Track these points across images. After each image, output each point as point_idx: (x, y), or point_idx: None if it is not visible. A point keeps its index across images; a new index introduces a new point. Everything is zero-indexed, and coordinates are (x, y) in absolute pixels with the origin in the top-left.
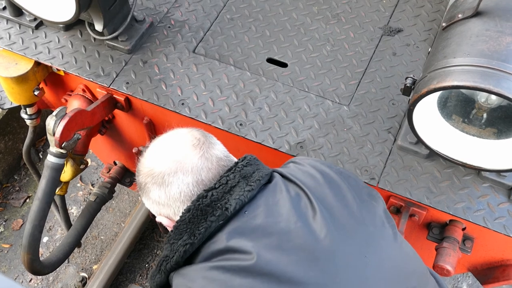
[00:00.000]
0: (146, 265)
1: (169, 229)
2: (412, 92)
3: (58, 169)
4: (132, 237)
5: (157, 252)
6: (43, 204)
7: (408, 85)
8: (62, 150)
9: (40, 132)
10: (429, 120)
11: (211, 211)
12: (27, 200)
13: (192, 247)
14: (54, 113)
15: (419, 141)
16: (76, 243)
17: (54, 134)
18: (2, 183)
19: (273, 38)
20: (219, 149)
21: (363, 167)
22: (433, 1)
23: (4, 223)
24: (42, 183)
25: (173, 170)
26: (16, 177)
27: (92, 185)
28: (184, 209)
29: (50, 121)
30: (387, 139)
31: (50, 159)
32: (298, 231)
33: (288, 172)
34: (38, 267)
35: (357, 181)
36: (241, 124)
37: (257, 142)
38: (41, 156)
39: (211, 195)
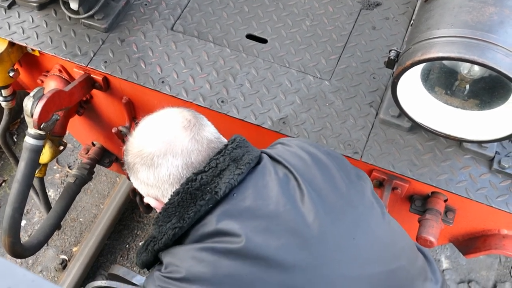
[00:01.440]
0: (127, 245)
1: (157, 210)
2: (396, 65)
3: (37, 150)
4: (112, 218)
5: (137, 233)
6: (23, 187)
7: (391, 57)
8: (40, 132)
9: (14, 114)
10: (413, 93)
11: (201, 195)
12: (3, 184)
13: (181, 230)
14: (31, 94)
15: (403, 113)
16: (56, 225)
17: (32, 116)
18: None
19: (251, 14)
20: (209, 131)
21: (346, 141)
22: None
23: None
24: (21, 165)
25: (163, 152)
26: None
27: (69, 167)
28: (173, 192)
29: (27, 102)
30: (369, 113)
31: (29, 140)
32: (287, 214)
33: (276, 154)
34: (19, 250)
35: (344, 162)
36: (222, 101)
37: (239, 119)
38: (15, 140)
39: (201, 179)
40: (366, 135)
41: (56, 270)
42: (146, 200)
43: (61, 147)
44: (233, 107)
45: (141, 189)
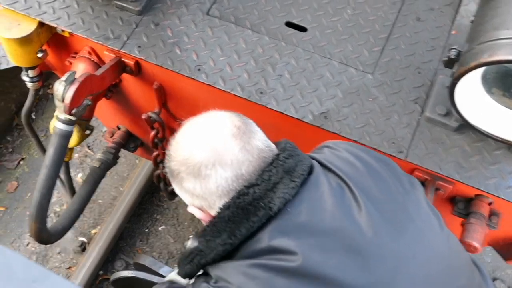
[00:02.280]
0: (146, 230)
1: (203, 221)
2: (457, 65)
3: (67, 136)
4: (132, 202)
5: (157, 217)
6: (52, 172)
7: (452, 57)
8: (71, 117)
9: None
10: (469, 93)
11: (254, 210)
12: (21, 162)
13: (232, 246)
14: (63, 78)
15: (460, 116)
16: (81, 210)
17: (63, 100)
18: None
19: (291, 0)
20: (260, 139)
21: (390, 139)
22: None
23: None
24: (50, 151)
25: (211, 162)
26: (8, 138)
27: (88, 147)
28: (223, 206)
29: (59, 87)
30: (414, 110)
31: (59, 126)
32: (344, 230)
33: (325, 160)
34: (45, 236)
35: (396, 168)
36: (261, 92)
37: (278, 112)
38: (33, 117)
39: (253, 193)
40: (411, 133)
41: (74, 252)
42: (190, 210)
43: (88, 131)
44: (272, 99)
45: (184, 198)
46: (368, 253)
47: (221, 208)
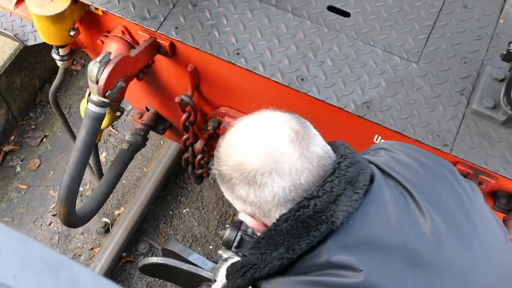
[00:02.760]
0: (170, 212)
1: (256, 230)
2: None
3: (99, 118)
4: (157, 183)
5: (181, 199)
6: (83, 155)
7: None
8: (104, 99)
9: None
10: None
11: (315, 224)
12: (44, 140)
13: (289, 261)
14: (98, 59)
15: (510, 105)
16: (109, 193)
17: (97, 82)
18: (17, 120)
19: None
20: (319, 144)
21: (435, 131)
22: None
23: (20, 162)
24: (82, 133)
25: (268, 170)
26: (31, 115)
27: (112, 126)
28: (281, 218)
29: (93, 67)
30: (460, 101)
31: (91, 108)
32: (410, 245)
33: (384, 164)
34: (74, 220)
35: (456, 173)
36: (302, 79)
37: (320, 100)
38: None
39: (314, 205)
40: (456, 126)
41: (98, 233)
42: (241, 217)
43: (118, 113)
44: (313, 86)
45: (235, 204)
46: (436, 272)
47: (278, 220)
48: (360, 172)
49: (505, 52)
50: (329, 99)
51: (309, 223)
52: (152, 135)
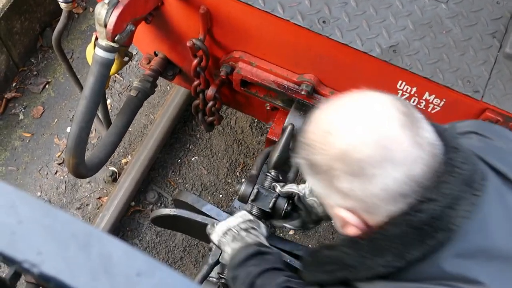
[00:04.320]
0: (179, 160)
1: (353, 229)
2: None
3: (108, 64)
4: (165, 131)
5: (190, 147)
6: (91, 104)
7: None
8: (113, 44)
9: (57, 11)
10: None
11: (430, 231)
12: (47, 86)
13: (396, 269)
14: (105, 1)
15: None
16: (118, 142)
17: (105, 26)
18: (18, 66)
19: None
20: (427, 128)
21: (465, 77)
22: None
23: (23, 110)
24: (90, 80)
25: (378, 159)
26: (33, 60)
27: (117, 73)
28: (389, 222)
29: (101, 10)
30: (492, 45)
31: (100, 53)
32: None
33: (484, 153)
34: (83, 171)
35: None
36: (324, 22)
37: (343, 44)
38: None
39: (432, 210)
40: (488, 71)
41: (105, 182)
42: (336, 211)
43: (126, 58)
44: (336, 29)
45: (331, 198)
46: None
47: (386, 224)
48: (474, 170)
49: None
50: (352, 42)
51: (425, 231)
52: (158, 81)
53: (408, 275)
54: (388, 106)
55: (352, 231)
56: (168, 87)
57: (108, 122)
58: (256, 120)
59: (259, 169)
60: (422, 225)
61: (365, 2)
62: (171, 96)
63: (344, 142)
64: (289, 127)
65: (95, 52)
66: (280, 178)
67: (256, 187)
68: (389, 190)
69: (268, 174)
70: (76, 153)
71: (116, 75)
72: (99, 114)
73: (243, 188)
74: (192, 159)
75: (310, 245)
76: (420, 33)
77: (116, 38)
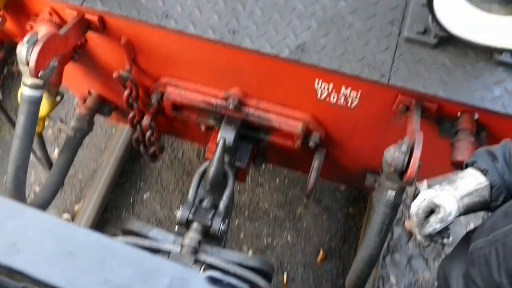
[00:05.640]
0: (131, 199)
1: None
2: None
3: (37, 102)
4: (113, 172)
5: (140, 185)
6: (25, 143)
7: None
8: (38, 81)
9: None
10: (448, 4)
11: None
12: None
13: None
14: (25, 40)
15: (436, 22)
16: (61, 182)
17: (28, 63)
18: None
19: None
20: None
21: (371, 64)
22: None
23: None
24: (21, 120)
25: None
26: None
27: (61, 121)
28: None
29: (21, 49)
30: (392, 32)
31: (26, 92)
32: None
33: None
34: None
35: None
36: (234, 32)
37: (253, 50)
38: (0, 97)
39: None
40: (391, 56)
41: None
42: None
43: (58, 98)
44: (246, 37)
45: None
46: None
47: None
48: None
49: None
50: (262, 47)
51: None
52: (103, 125)
53: None
54: None
55: None
56: (113, 130)
57: (50, 166)
58: (203, 150)
59: (196, 189)
60: None
61: (270, 9)
62: (115, 137)
63: None
64: (221, 141)
65: (22, 92)
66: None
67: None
68: None
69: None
70: (17, 193)
71: (61, 124)
72: (41, 158)
73: (179, 214)
74: (144, 196)
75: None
76: (324, 30)
77: (39, 75)
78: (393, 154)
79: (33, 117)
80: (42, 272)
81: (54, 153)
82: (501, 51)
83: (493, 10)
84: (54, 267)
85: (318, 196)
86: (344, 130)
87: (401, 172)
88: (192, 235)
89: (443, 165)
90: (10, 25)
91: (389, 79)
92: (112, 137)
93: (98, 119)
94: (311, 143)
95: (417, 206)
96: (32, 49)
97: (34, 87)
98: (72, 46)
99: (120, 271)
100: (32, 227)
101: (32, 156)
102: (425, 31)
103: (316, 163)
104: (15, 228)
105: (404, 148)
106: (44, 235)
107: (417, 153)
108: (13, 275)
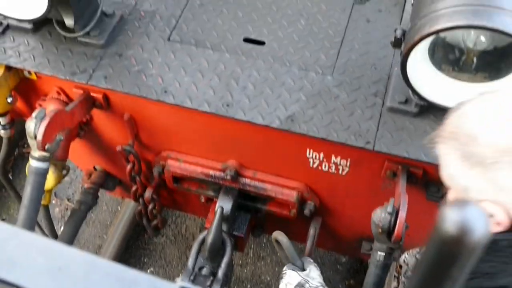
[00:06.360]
0: None
1: (494, 227)
2: (403, 43)
3: (43, 174)
4: (117, 248)
5: (144, 260)
6: (31, 212)
7: (398, 36)
8: (45, 153)
9: (13, 145)
10: (421, 71)
11: None
12: None
13: None
14: (33, 115)
15: (413, 92)
16: None
17: (35, 137)
18: None
19: (246, 18)
20: None
21: (356, 132)
22: None
23: None
24: (28, 190)
25: None
26: None
27: (68, 200)
28: None
29: (30, 124)
30: (375, 102)
31: (34, 164)
32: None
33: None
34: None
35: None
36: (228, 105)
37: (246, 121)
38: (10, 177)
39: None
40: (375, 124)
41: None
42: (488, 207)
43: (64, 172)
44: (239, 110)
45: (481, 188)
46: None
47: None
48: None
49: (393, 40)
50: (254, 118)
51: None
52: (108, 202)
53: None
54: None
55: (493, 229)
56: (118, 207)
57: (55, 237)
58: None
59: (195, 257)
60: None
61: (261, 84)
62: (120, 214)
63: (507, 133)
64: (219, 210)
65: (30, 164)
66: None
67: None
68: None
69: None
70: None
71: (67, 202)
72: (45, 230)
73: (179, 280)
74: (148, 271)
75: None
76: (312, 102)
77: (46, 147)
78: (380, 215)
79: (39, 187)
80: (35, 285)
81: (60, 231)
82: None
83: (463, 78)
84: (46, 281)
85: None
86: (337, 197)
87: (389, 233)
88: None
89: None
90: (20, 104)
91: (374, 146)
92: (117, 214)
93: (104, 196)
94: (307, 211)
95: None
96: (40, 123)
97: (41, 159)
98: (78, 121)
99: (102, 282)
100: (26, 246)
101: (37, 229)
102: (407, 101)
103: (311, 231)
104: (11, 247)
105: (389, 209)
106: (36, 253)
107: (402, 214)
108: None
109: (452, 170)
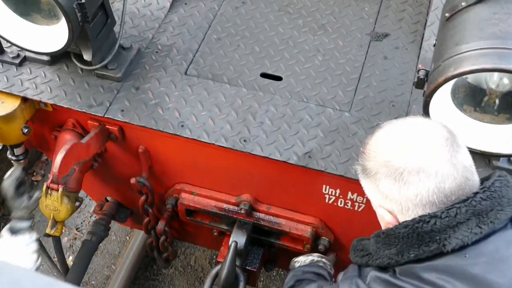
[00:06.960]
0: None
1: (385, 224)
2: (426, 84)
3: None
4: (126, 279)
5: None
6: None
7: (421, 77)
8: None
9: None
10: (443, 112)
11: (428, 240)
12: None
13: (396, 263)
14: (8, 173)
15: None
16: (78, 286)
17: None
18: None
19: (263, 53)
20: (466, 155)
21: None
22: (413, 5)
23: None
24: None
25: (415, 169)
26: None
27: (77, 229)
28: (401, 224)
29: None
30: None
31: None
32: None
33: None
34: None
35: None
36: (245, 140)
37: (264, 157)
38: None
39: (433, 224)
40: None
41: None
42: (377, 210)
43: (77, 203)
44: (256, 145)
45: (374, 198)
46: None
47: (398, 226)
48: (495, 208)
49: (416, 80)
50: (272, 154)
51: (423, 238)
52: (117, 232)
53: (405, 271)
54: (433, 128)
55: (387, 226)
56: (127, 237)
57: (66, 269)
58: (215, 257)
59: None
60: (423, 233)
61: (279, 120)
62: (129, 244)
63: (389, 151)
64: (233, 244)
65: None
66: None
67: None
68: (421, 196)
69: None
70: None
71: (76, 232)
72: (56, 261)
73: None
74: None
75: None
76: (330, 138)
77: (62, 180)
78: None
79: None
80: None
81: (69, 260)
82: (498, 156)
83: (486, 119)
84: None
85: None
86: (352, 233)
87: None
88: None
89: None
90: (36, 135)
91: None
92: (126, 244)
93: (113, 225)
94: (321, 247)
95: None
96: (57, 156)
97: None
98: (94, 154)
99: None
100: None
101: (48, 260)
102: None
103: None
104: (10, 284)
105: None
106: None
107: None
108: None
109: (361, 183)
